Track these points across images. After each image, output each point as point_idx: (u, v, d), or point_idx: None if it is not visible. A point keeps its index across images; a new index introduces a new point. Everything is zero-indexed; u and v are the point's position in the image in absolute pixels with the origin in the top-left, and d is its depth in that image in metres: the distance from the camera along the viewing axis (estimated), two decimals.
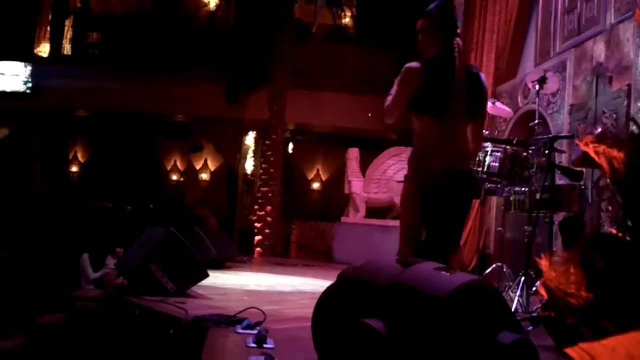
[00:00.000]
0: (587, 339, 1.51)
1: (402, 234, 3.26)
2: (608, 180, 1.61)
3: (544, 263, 1.64)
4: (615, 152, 1.60)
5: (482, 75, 3.33)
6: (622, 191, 1.62)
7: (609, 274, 1.53)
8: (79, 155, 15.64)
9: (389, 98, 3.24)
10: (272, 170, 11.83)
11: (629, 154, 1.59)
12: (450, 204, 3.16)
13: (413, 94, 3.16)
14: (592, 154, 1.66)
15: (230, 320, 3.29)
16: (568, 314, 1.54)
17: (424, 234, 3.17)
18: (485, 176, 4.78)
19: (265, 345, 2.78)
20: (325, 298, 2.30)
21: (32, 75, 13.85)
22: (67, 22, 14.56)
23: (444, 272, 1.91)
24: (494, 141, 5.00)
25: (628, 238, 1.58)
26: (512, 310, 4.10)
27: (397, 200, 9.95)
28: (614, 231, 1.62)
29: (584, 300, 1.51)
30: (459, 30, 3.26)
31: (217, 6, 15.15)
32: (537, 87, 4.93)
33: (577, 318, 1.53)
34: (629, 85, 5.44)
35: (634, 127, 1.91)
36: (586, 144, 1.68)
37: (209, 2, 16.22)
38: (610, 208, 5.01)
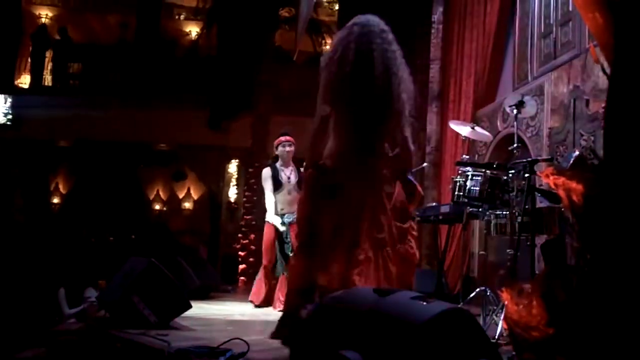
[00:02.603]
0: None
1: None
2: (567, 212, 1.63)
3: (505, 296, 1.64)
4: (573, 184, 1.61)
5: None
6: (581, 223, 1.63)
7: (570, 307, 1.53)
8: (61, 186, 15.51)
9: None
10: (255, 197, 11.79)
11: (587, 186, 1.60)
12: None
13: None
14: (552, 186, 1.67)
15: (213, 352, 3.26)
16: (526, 348, 1.54)
17: None
18: (466, 200, 4.82)
19: None
20: (303, 327, 2.29)
21: (13, 106, 13.78)
22: (48, 53, 14.54)
23: (420, 301, 1.91)
24: (474, 165, 5.05)
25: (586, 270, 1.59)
26: (497, 334, 4.10)
27: None
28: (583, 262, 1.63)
29: (545, 333, 1.51)
30: None
31: (199, 34, 15.22)
32: (515, 111, 4.99)
33: (534, 353, 1.52)
34: (605, 108, 5.52)
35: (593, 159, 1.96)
36: (547, 176, 1.69)
37: (190, 31, 16.31)
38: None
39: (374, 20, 3.70)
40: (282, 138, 6.55)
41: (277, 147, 6.58)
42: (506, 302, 1.62)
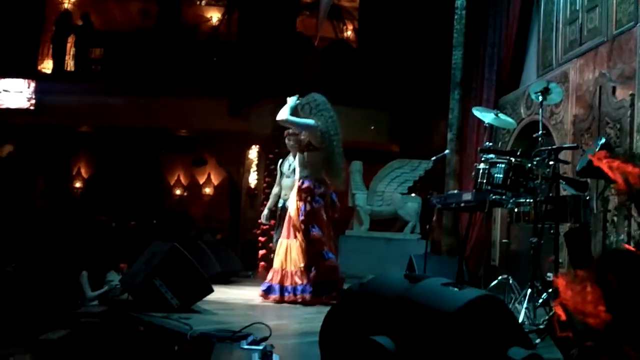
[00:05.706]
0: None
1: None
2: (623, 196, 1.59)
3: (560, 282, 1.60)
4: (630, 168, 1.57)
5: None
6: (638, 206, 1.59)
7: (625, 294, 1.49)
8: (82, 171, 15.65)
9: None
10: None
11: None
12: None
13: None
14: (606, 170, 1.63)
15: (235, 336, 3.27)
16: (587, 336, 1.50)
17: None
18: (489, 188, 4.77)
19: None
20: (333, 314, 2.27)
21: (36, 91, 13.89)
22: (70, 39, 14.62)
23: (452, 288, 1.88)
24: (498, 152, 4.99)
25: None
26: (519, 322, 4.07)
27: (401, 212, 9.95)
28: (631, 248, 1.59)
29: (603, 320, 1.47)
30: None
31: (220, 21, 15.21)
32: (540, 98, 4.92)
33: (596, 341, 1.48)
34: (632, 95, 5.42)
35: None
36: (599, 159, 1.65)
37: (211, 17, 16.31)
38: (615, 219, 4.97)
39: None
40: (286, 132, 6.85)
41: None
42: (561, 288, 1.58)
